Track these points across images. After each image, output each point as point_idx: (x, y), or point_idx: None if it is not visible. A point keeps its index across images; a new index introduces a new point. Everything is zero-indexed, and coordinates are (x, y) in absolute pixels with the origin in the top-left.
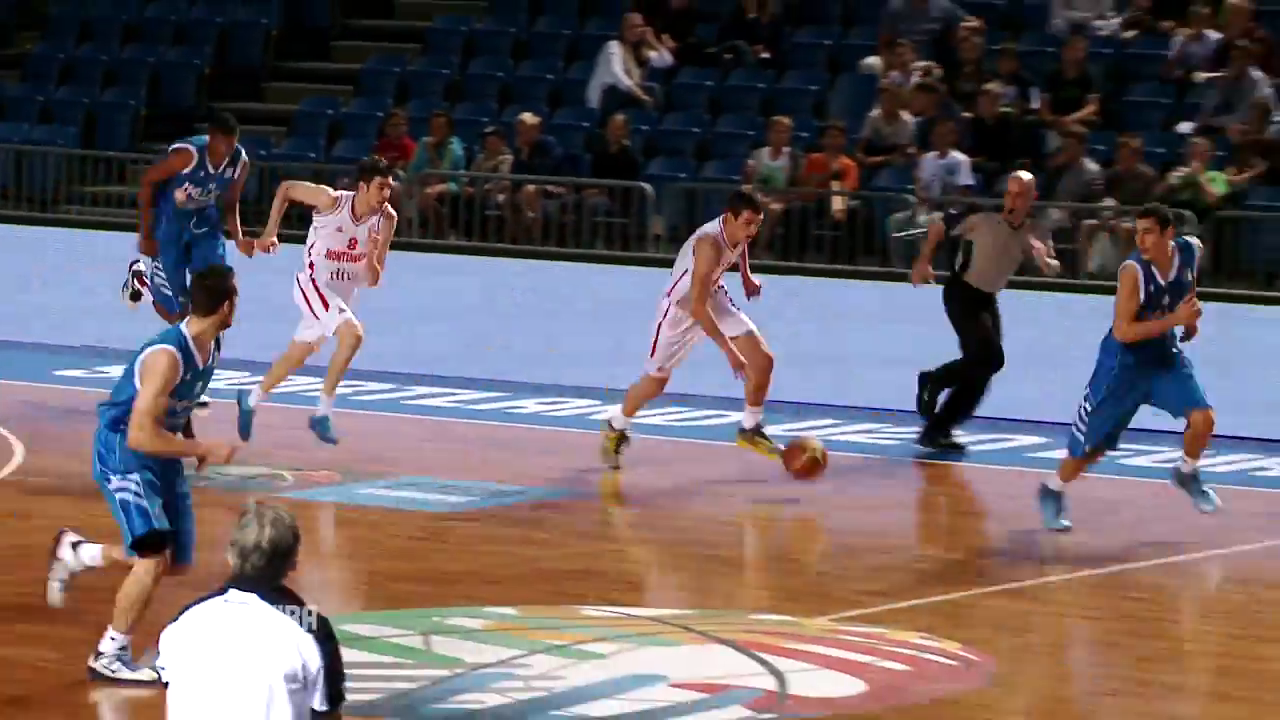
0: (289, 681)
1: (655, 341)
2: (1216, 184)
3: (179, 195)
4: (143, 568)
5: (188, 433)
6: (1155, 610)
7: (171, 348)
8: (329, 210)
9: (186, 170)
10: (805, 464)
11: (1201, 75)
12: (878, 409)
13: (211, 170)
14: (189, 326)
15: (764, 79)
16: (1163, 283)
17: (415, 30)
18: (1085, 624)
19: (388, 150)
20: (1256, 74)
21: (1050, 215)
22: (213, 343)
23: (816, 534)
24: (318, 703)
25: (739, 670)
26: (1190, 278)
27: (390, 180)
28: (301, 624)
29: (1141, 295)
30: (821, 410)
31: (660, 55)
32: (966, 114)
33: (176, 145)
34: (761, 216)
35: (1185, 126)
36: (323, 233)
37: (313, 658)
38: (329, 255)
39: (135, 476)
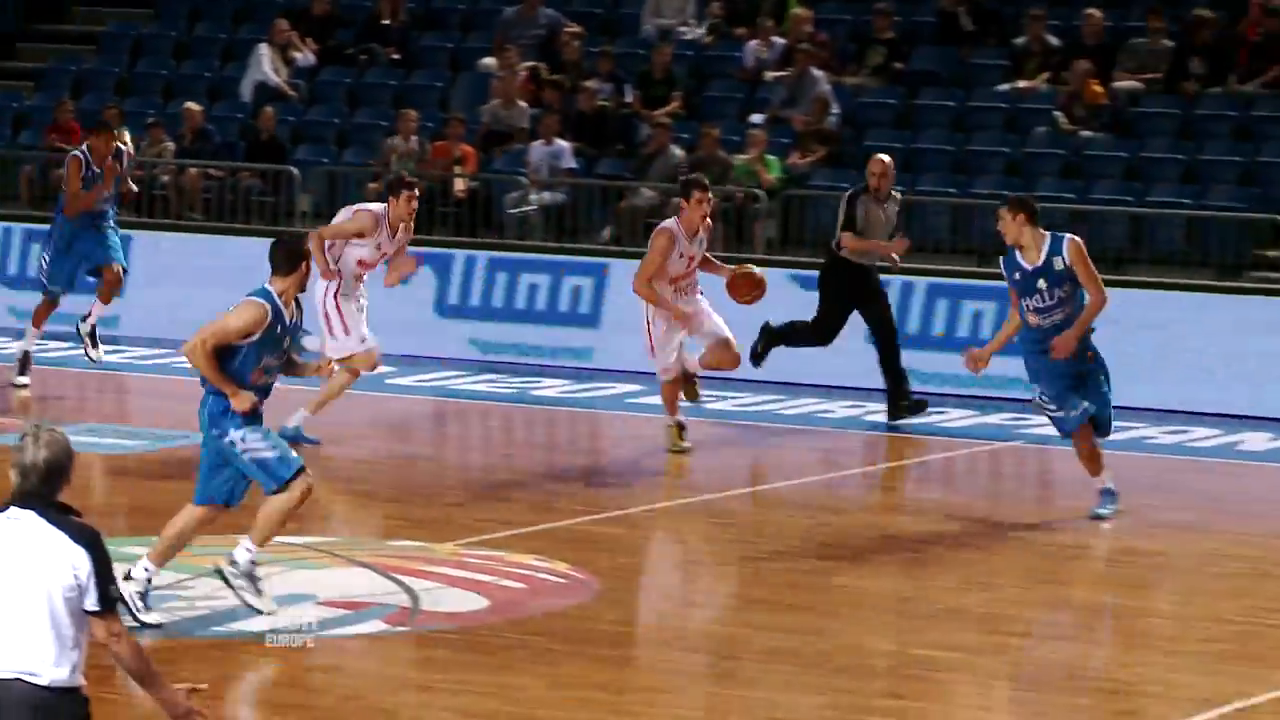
0: (66, 590)
1: (650, 343)
2: (771, 169)
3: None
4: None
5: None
6: (736, 534)
7: (263, 301)
8: (373, 233)
9: (83, 176)
10: (744, 286)
11: (770, 74)
12: (500, 361)
13: (98, 170)
14: (272, 285)
15: (395, 76)
16: (1028, 268)
17: (90, 34)
18: (677, 546)
19: (58, 135)
20: (817, 73)
21: (642, 194)
22: (294, 302)
23: (446, 472)
24: (89, 604)
25: (378, 589)
26: (1061, 266)
27: (417, 193)
28: (72, 536)
29: (1007, 278)
30: (439, 363)
31: (304, 56)
32: (575, 108)
33: (68, 158)
34: (711, 196)
35: (757, 118)
36: (358, 249)
37: (83, 565)
38: (359, 264)
39: (253, 439)
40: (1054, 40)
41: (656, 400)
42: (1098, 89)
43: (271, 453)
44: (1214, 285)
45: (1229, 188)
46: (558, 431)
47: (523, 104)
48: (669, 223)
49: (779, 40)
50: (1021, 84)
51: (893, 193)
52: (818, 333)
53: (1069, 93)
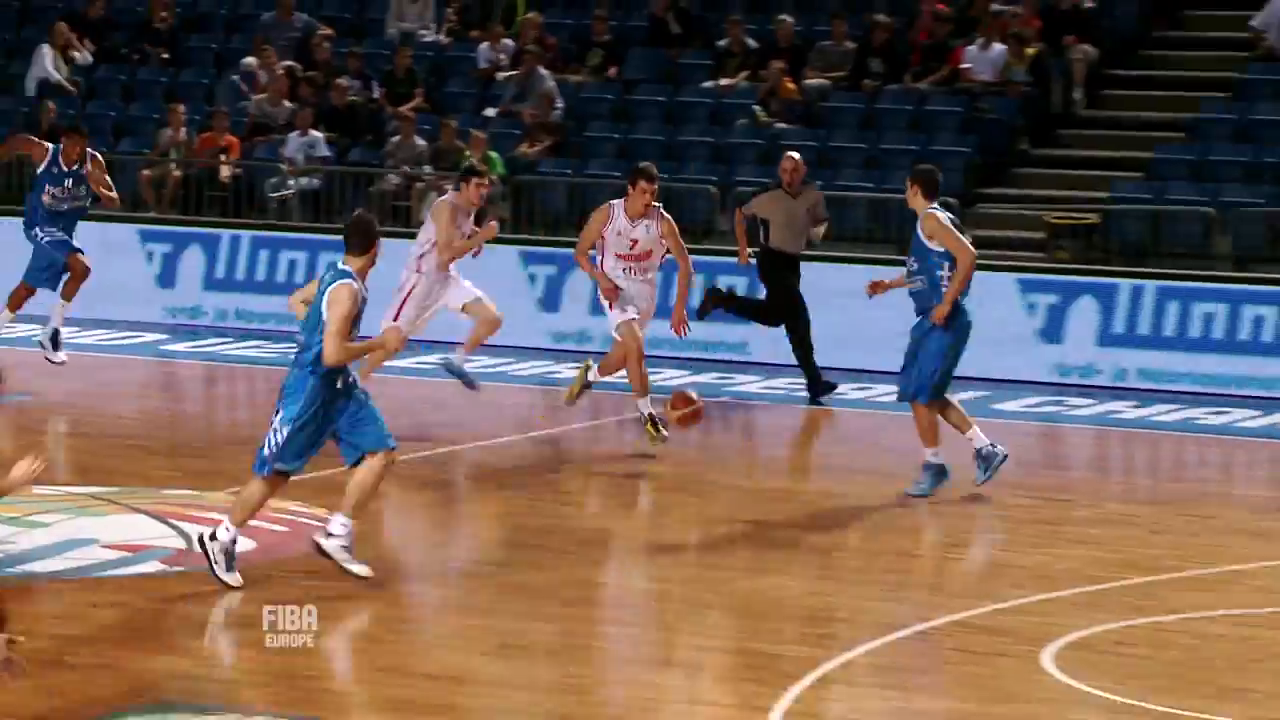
0: None
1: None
2: (495, 166)
3: (46, 199)
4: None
5: None
6: (478, 482)
7: (351, 282)
8: (455, 219)
9: (41, 167)
10: (688, 414)
11: (502, 73)
12: (263, 329)
13: (65, 168)
14: (349, 264)
15: (166, 74)
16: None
17: None
18: (426, 493)
19: None
20: (543, 71)
21: (390, 180)
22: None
23: (215, 428)
24: None
25: (155, 534)
26: (917, 237)
27: (487, 181)
28: None
29: None
30: (208, 331)
31: (83, 55)
32: (328, 103)
33: (35, 145)
34: (655, 186)
35: (490, 111)
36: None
37: None
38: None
39: (288, 429)
40: (752, 43)
41: (407, 363)
42: (791, 86)
43: (279, 447)
44: (895, 259)
45: (906, 173)
46: None
47: (284, 100)
48: (614, 201)
49: (509, 42)
50: (724, 82)
51: (811, 186)
52: (769, 315)
53: (766, 89)
